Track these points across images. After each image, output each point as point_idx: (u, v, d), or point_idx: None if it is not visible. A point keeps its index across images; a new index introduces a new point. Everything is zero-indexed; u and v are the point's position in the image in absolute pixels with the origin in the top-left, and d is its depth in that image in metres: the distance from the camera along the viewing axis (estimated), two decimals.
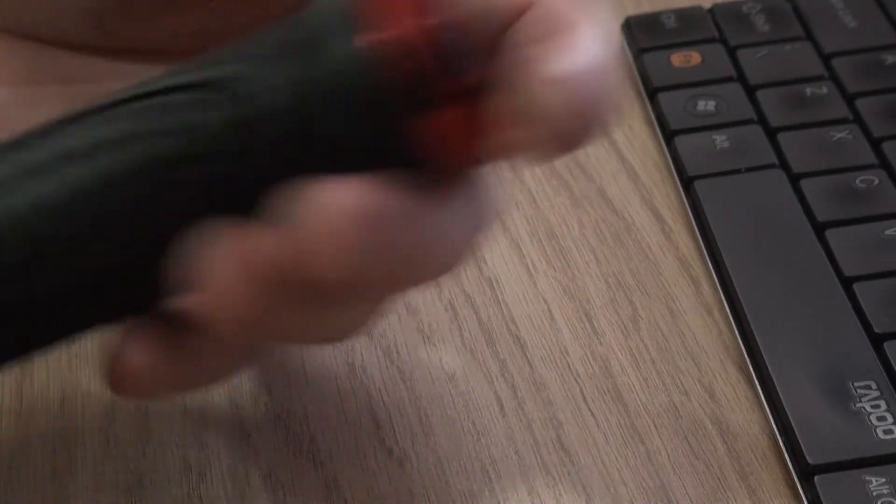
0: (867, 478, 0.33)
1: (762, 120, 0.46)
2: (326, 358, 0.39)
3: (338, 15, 0.27)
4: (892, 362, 0.36)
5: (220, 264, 0.27)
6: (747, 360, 0.38)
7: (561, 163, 0.46)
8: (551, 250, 0.43)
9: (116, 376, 0.30)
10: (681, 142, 0.45)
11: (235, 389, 0.39)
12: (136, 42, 0.34)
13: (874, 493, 0.33)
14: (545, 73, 0.26)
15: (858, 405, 0.35)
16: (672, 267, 0.42)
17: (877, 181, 0.42)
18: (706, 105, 0.47)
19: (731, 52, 0.49)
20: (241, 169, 0.27)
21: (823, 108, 0.46)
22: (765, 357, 0.37)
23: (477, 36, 0.27)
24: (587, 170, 0.46)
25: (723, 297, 0.40)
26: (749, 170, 0.44)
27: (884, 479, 0.33)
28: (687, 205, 0.44)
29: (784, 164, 0.44)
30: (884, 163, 0.43)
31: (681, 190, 0.44)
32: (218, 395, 0.38)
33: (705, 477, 0.35)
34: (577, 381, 0.38)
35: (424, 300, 0.41)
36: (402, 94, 0.27)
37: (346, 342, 0.40)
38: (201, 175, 0.27)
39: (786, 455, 0.35)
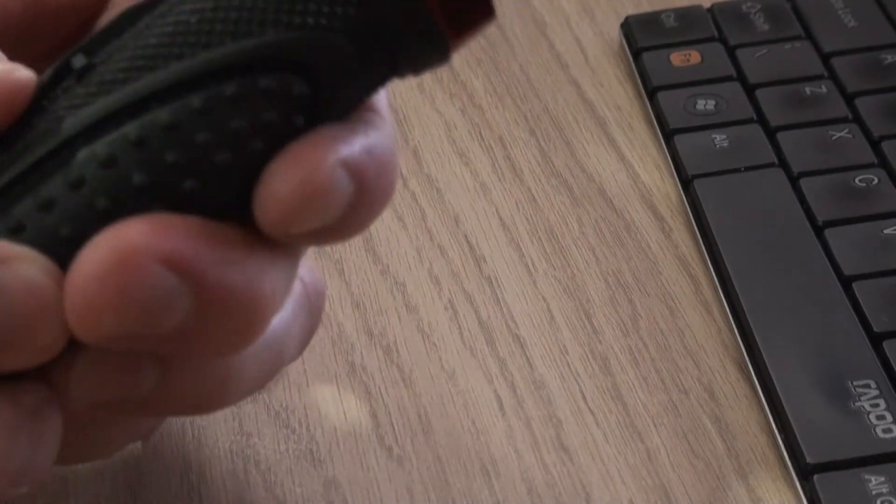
0: (866, 476, 0.33)
1: (762, 119, 0.46)
2: (326, 358, 0.39)
3: None
4: (892, 361, 0.36)
5: None
6: (746, 358, 0.38)
7: (561, 162, 0.46)
8: (551, 249, 0.43)
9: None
10: (680, 141, 0.45)
11: None
12: None
13: (873, 493, 0.33)
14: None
15: (857, 404, 0.35)
16: (671, 266, 0.42)
17: (876, 180, 0.42)
18: (706, 104, 0.47)
19: (731, 51, 0.49)
20: None
21: (823, 107, 0.46)
22: (764, 356, 0.37)
23: None
24: (587, 169, 0.46)
25: (722, 296, 0.40)
26: (748, 169, 0.44)
27: (883, 478, 0.33)
28: (686, 204, 0.44)
29: (783, 164, 0.44)
30: (883, 162, 0.43)
31: (680, 189, 0.44)
32: None
33: (704, 476, 0.35)
34: (576, 380, 0.38)
35: (424, 299, 0.41)
36: None
37: (344, 345, 0.40)
38: None
39: (785, 454, 0.35)
